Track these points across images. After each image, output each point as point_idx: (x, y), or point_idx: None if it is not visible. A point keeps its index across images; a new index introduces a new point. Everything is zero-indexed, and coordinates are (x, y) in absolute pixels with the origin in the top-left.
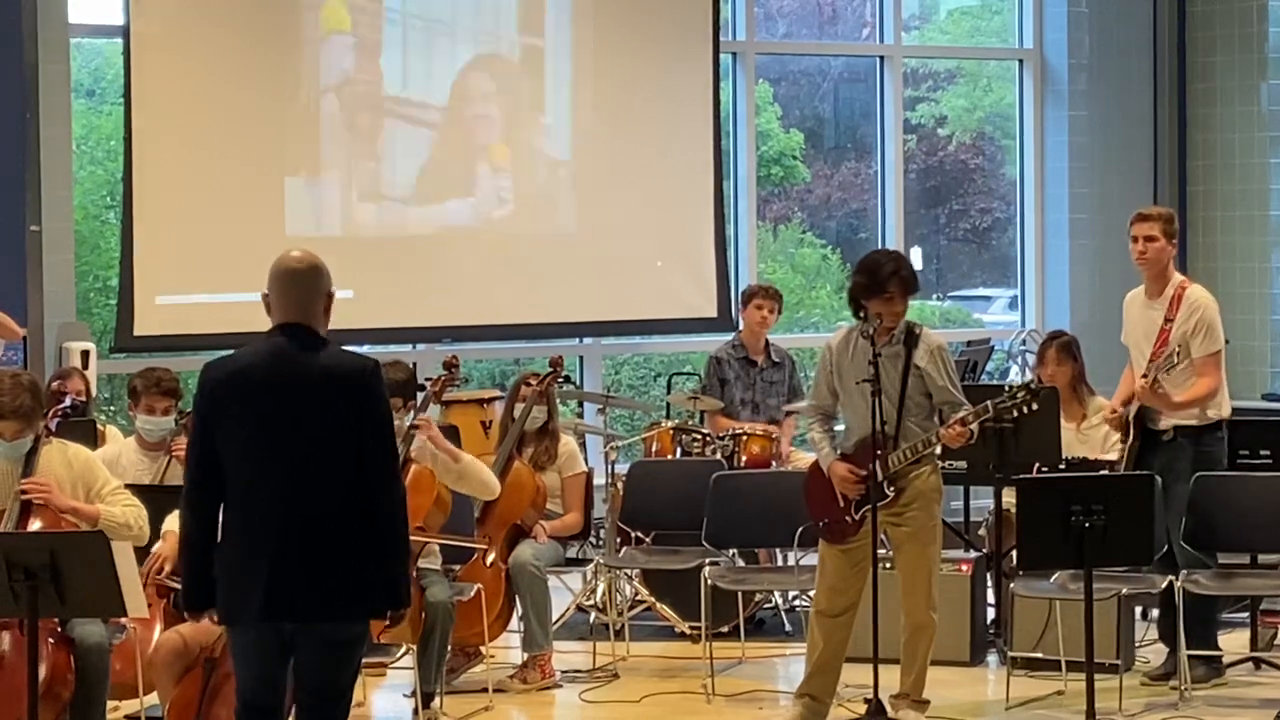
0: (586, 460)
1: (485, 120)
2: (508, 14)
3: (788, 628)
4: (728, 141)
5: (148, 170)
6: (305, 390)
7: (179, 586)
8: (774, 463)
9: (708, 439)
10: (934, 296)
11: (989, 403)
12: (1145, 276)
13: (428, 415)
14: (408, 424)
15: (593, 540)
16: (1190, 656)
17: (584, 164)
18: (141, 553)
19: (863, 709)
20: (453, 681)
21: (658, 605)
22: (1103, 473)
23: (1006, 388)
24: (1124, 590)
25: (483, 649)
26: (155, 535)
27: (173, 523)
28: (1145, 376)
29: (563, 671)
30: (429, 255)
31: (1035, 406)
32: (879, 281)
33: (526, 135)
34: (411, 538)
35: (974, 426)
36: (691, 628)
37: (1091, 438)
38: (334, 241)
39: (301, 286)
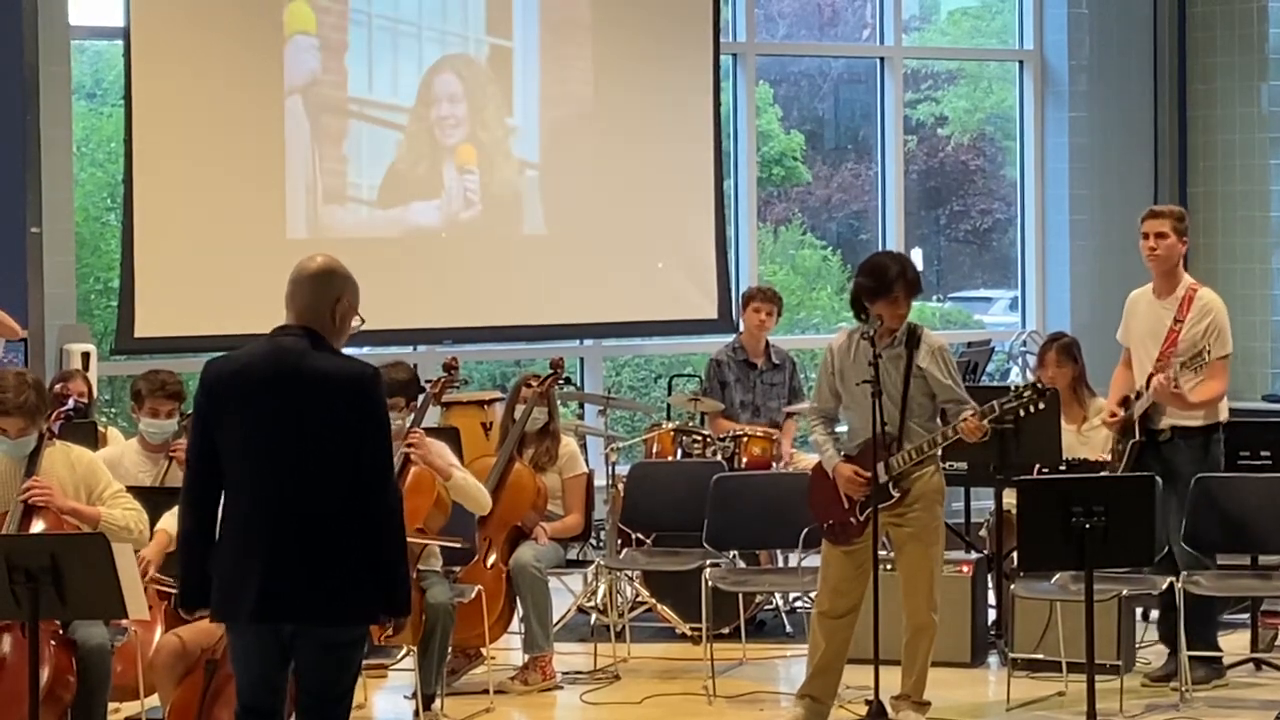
0: (587, 462)
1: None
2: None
3: (788, 629)
4: (728, 143)
5: (148, 172)
6: (305, 391)
7: (172, 590)
8: (774, 464)
9: (708, 440)
10: (934, 298)
11: (995, 402)
12: (1155, 274)
13: (419, 430)
14: (406, 426)
15: (593, 542)
16: (1191, 658)
17: (585, 165)
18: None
19: (864, 710)
20: (454, 683)
21: (658, 607)
22: (1103, 474)
23: (1012, 388)
24: (1124, 591)
25: (484, 650)
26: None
27: (163, 523)
28: (1163, 373)
29: (564, 673)
30: (432, 256)
31: (1042, 406)
32: (885, 284)
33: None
34: (408, 540)
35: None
36: (692, 629)
37: (1092, 439)
38: (338, 242)
39: (306, 290)
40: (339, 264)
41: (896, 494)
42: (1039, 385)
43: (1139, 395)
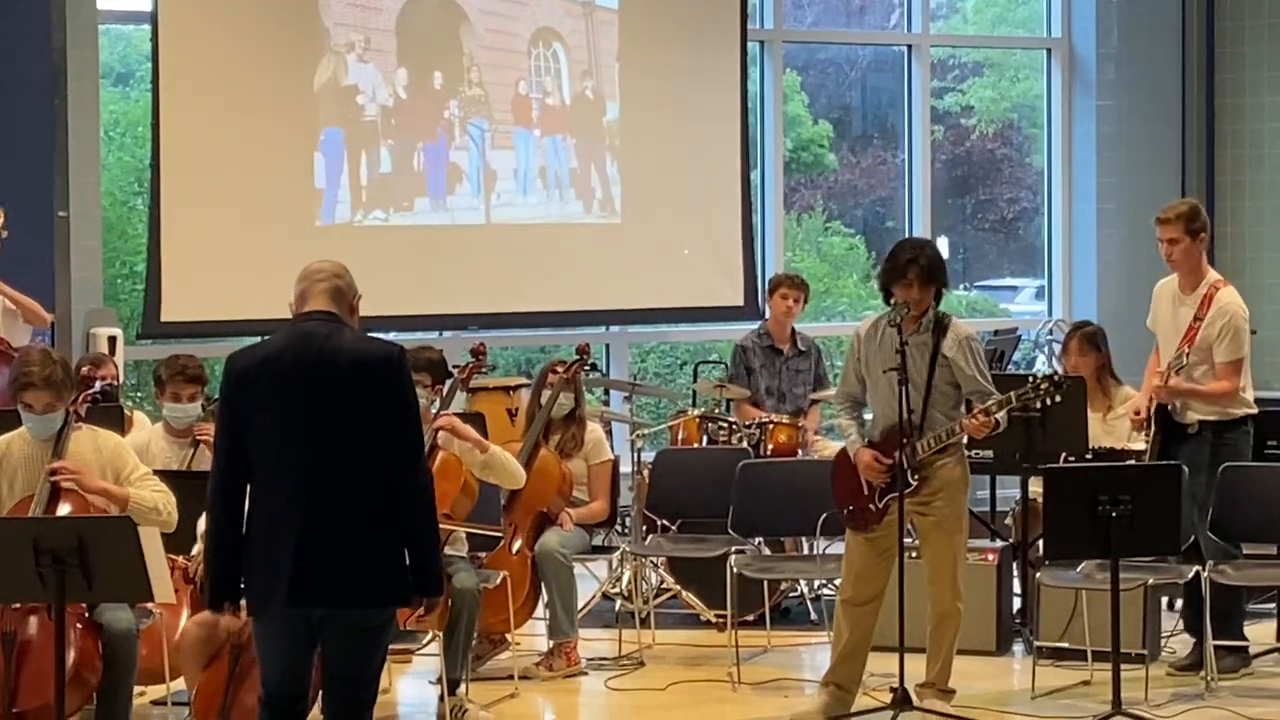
0: (612, 448)
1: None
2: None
3: (813, 616)
4: (755, 130)
5: (175, 156)
6: (332, 375)
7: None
8: (800, 451)
9: (734, 427)
10: (961, 286)
11: (1012, 393)
12: (1178, 273)
13: (449, 411)
14: (434, 412)
15: (619, 528)
16: (1216, 647)
17: (613, 152)
18: (169, 540)
19: (888, 698)
20: (479, 668)
21: (683, 593)
22: (1130, 463)
23: (1030, 378)
24: (1150, 580)
25: (509, 636)
26: (184, 523)
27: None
28: (1164, 379)
29: (588, 659)
30: (456, 243)
31: (1059, 398)
32: (899, 267)
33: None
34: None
35: (999, 416)
36: (717, 616)
37: (1117, 428)
38: (365, 229)
39: (329, 284)
40: (344, 268)
41: (915, 481)
42: (1055, 377)
43: None
